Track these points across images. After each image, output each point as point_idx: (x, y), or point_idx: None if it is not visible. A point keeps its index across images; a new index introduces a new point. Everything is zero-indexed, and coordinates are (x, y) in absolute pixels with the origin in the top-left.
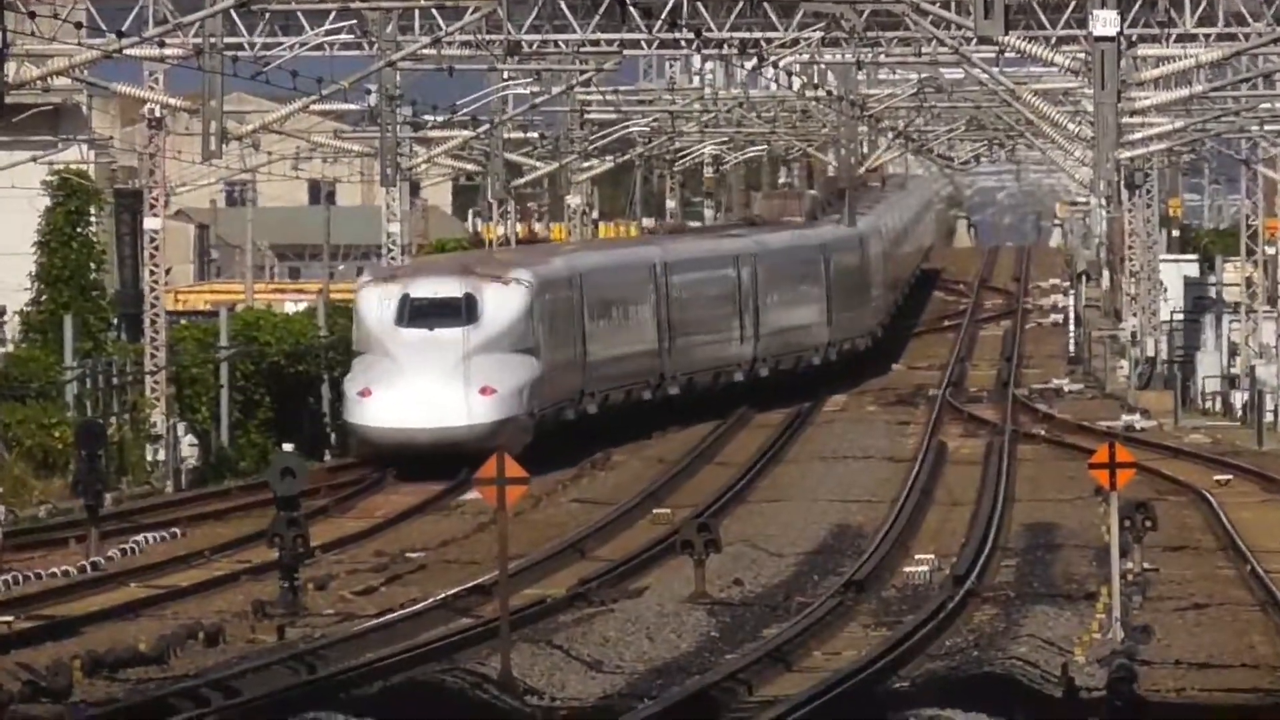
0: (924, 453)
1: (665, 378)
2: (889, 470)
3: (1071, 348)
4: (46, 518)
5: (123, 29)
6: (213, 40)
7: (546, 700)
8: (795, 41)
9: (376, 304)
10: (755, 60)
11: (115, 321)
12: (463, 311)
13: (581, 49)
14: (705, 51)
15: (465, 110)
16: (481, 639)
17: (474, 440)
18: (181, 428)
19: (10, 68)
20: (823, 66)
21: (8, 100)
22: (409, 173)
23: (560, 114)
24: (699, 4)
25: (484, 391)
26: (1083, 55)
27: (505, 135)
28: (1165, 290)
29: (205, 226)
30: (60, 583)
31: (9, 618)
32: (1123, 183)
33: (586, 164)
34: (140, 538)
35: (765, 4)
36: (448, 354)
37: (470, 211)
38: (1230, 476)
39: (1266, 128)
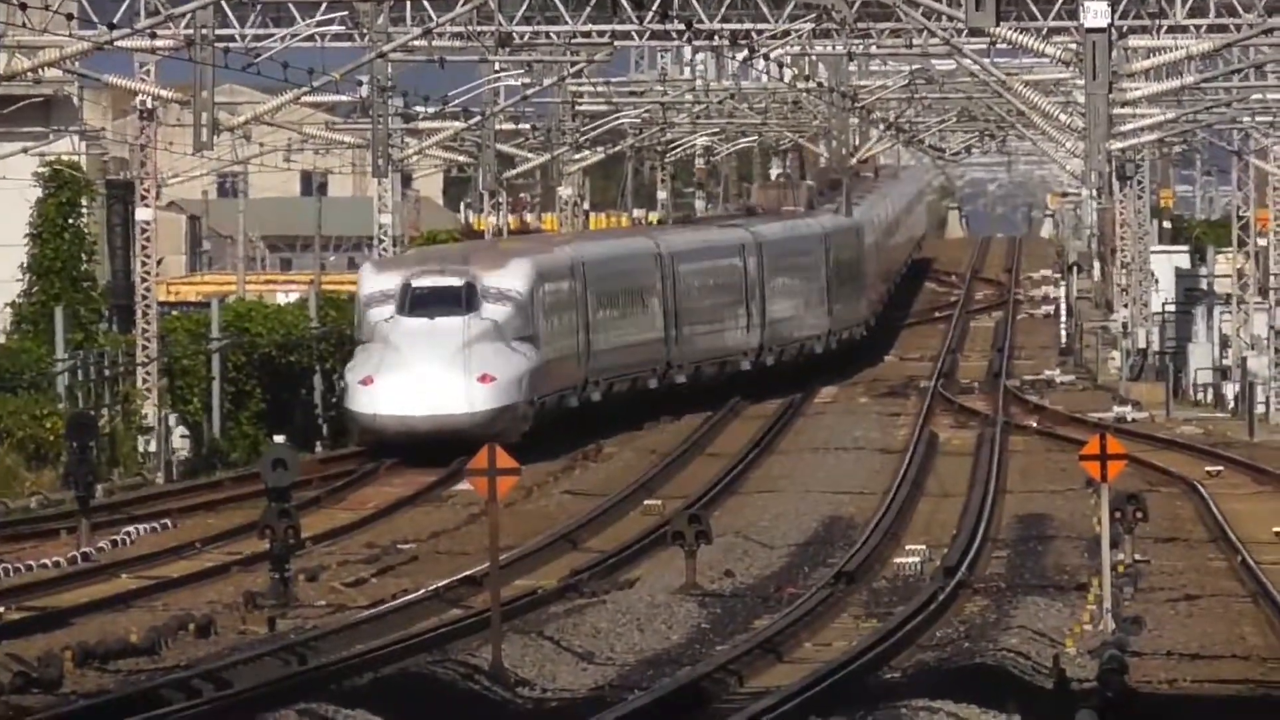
0: (915, 444)
1: (672, 366)
2: (880, 461)
3: (1063, 339)
4: (37, 509)
5: (114, 21)
6: (204, 32)
7: (537, 691)
8: (786, 33)
9: (378, 293)
10: (746, 52)
11: (106, 313)
12: (463, 300)
13: (573, 40)
14: (696, 43)
15: (457, 101)
16: (473, 630)
17: (474, 428)
18: (173, 419)
19: (2, 59)
20: (814, 58)
21: None
22: (400, 164)
23: (552, 105)
24: None
25: (483, 379)
26: (1074, 46)
27: (497, 126)
28: (1156, 281)
29: (197, 218)
30: (51, 574)
31: None
32: (1114, 174)
33: (578, 155)
34: (131, 529)
35: None
36: (448, 342)
37: (462, 203)
38: (1221, 468)
39: (1258, 119)
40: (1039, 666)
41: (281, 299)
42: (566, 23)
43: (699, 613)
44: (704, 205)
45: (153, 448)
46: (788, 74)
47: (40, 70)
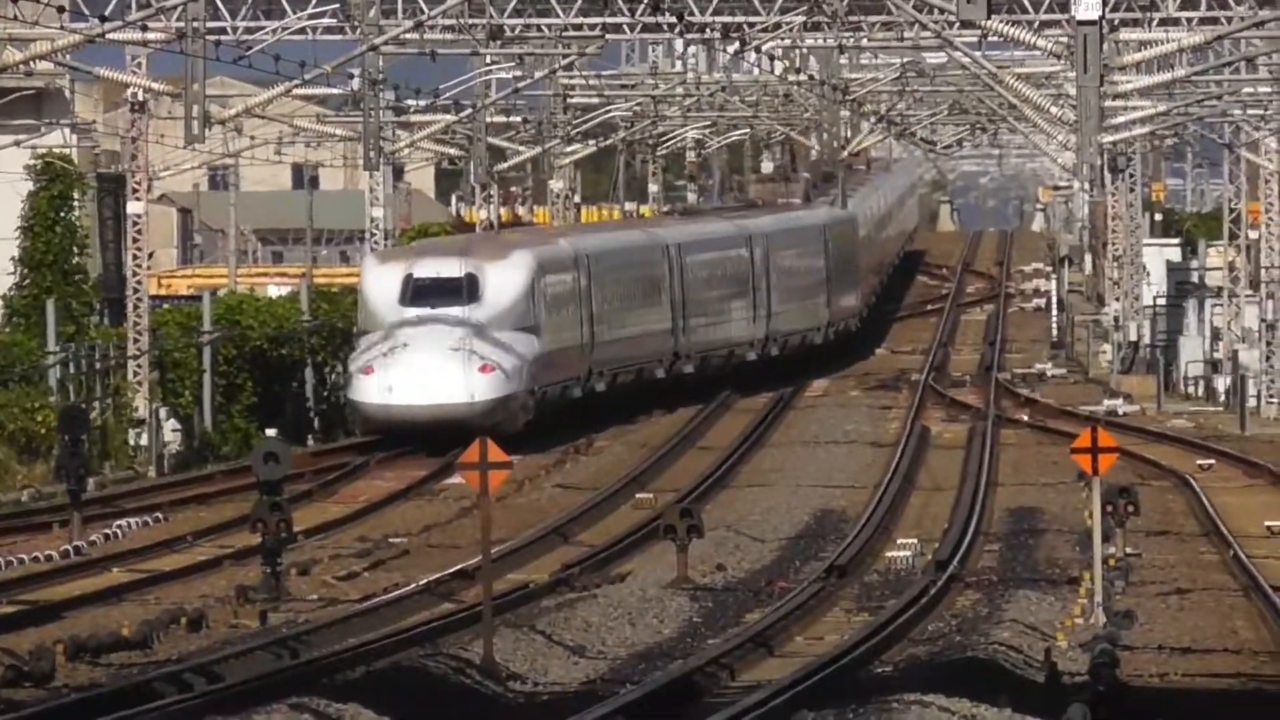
0: (907, 437)
1: (680, 357)
2: (871, 455)
3: (1054, 332)
4: (29, 502)
5: (105, 13)
6: (195, 24)
7: (529, 685)
8: (777, 26)
9: (380, 284)
10: (738, 44)
11: (98, 306)
12: (464, 291)
13: (564, 33)
14: (688, 36)
15: (448, 94)
16: (464, 624)
17: (474, 417)
18: (164, 412)
19: None
20: (805, 51)
21: None
22: (392, 157)
23: (543, 98)
24: None
25: (483, 369)
26: (1065, 39)
27: (488, 119)
28: (1148, 274)
29: (188, 211)
30: (43, 567)
31: None
32: (1105, 167)
33: (569, 148)
34: (123, 522)
35: None
36: (448, 333)
37: (453, 196)
38: (1213, 461)
39: (1249, 112)
40: (1030, 660)
41: (273, 292)
42: (558, 16)
43: (690, 606)
44: (696, 198)
45: (144, 441)
46: (779, 67)
47: (31, 63)
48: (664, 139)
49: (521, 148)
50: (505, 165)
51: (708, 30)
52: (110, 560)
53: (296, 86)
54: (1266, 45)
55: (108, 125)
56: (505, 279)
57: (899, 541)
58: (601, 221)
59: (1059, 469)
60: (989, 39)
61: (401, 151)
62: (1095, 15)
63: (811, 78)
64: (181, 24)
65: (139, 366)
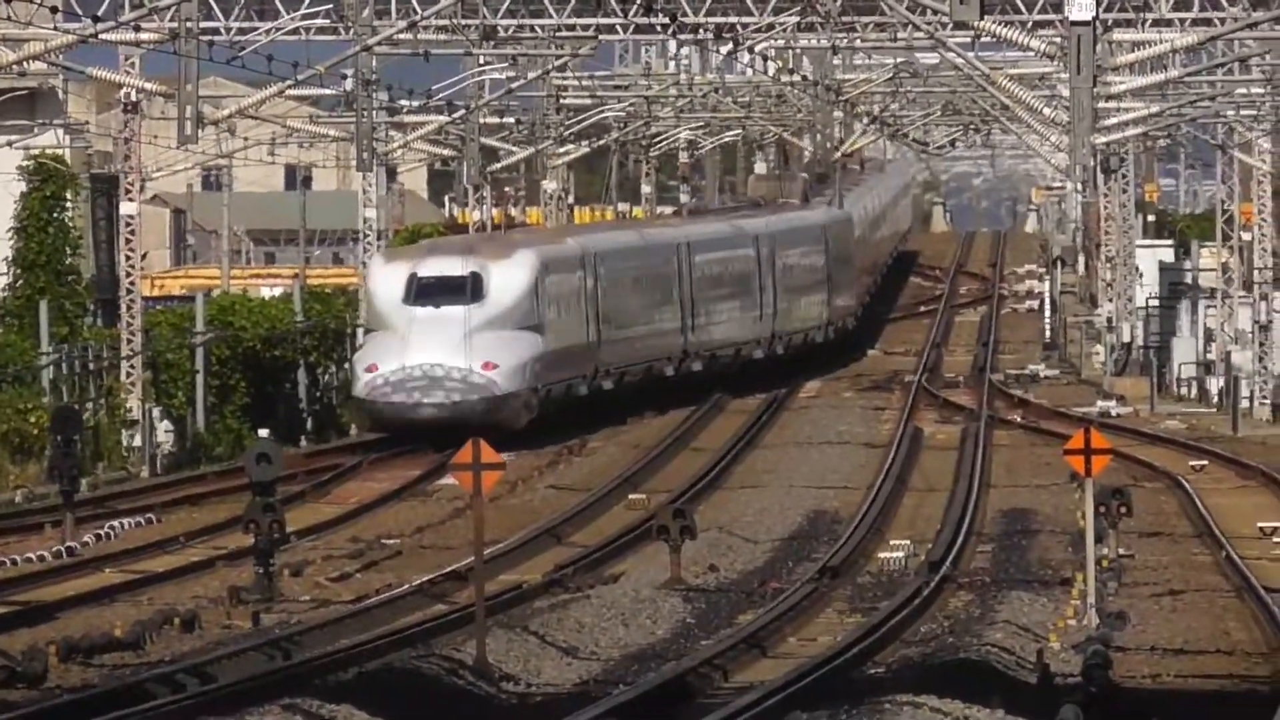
0: (899, 438)
1: (688, 355)
2: (864, 456)
3: (1047, 333)
4: (22, 503)
5: (98, 14)
6: (188, 25)
7: (522, 686)
8: (771, 26)
9: (386, 282)
10: (731, 45)
11: (91, 306)
12: (468, 290)
13: (557, 34)
14: (681, 36)
15: (441, 95)
16: (457, 625)
17: (476, 414)
18: (157, 413)
19: None
20: (798, 51)
21: None
22: (385, 157)
23: (536, 99)
24: None
25: (486, 367)
26: (1058, 40)
27: (481, 120)
28: (1141, 275)
29: (181, 211)
30: (36, 568)
31: None
32: (1098, 168)
33: (562, 149)
34: (116, 523)
35: None
36: (452, 330)
37: (446, 196)
38: (1206, 462)
39: (1242, 112)
40: (1023, 661)
41: (266, 293)
42: (551, 16)
43: (683, 607)
44: (689, 199)
45: (137, 442)
46: (772, 68)
47: (25, 63)
48: (657, 140)
49: (515, 148)
50: (498, 166)
51: (701, 31)
52: (103, 561)
53: (290, 87)
54: (1259, 46)
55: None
56: (509, 278)
57: (892, 542)
58: (611, 221)
59: (1052, 470)
60: (982, 40)
61: (394, 152)
62: (1088, 16)
63: (805, 78)
64: (175, 24)
65: (132, 367)
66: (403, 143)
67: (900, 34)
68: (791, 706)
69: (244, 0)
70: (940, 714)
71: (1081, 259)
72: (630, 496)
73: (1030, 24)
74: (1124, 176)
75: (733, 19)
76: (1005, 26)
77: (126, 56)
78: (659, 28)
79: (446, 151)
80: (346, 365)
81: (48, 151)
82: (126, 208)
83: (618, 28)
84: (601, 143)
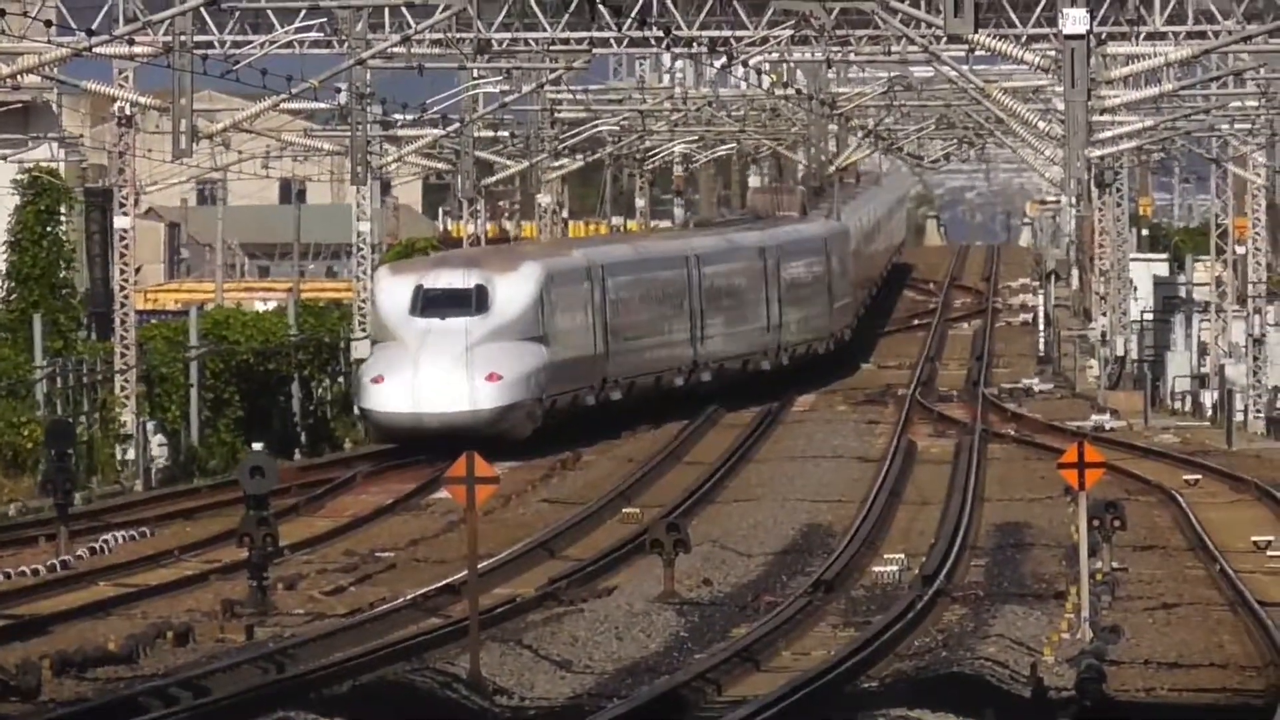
0: (893, 452)
1: (698, 366)
2: (858, 470)
3: (1041, 347)
4: (16, 516)
5: (92, 27)
6: (183, 38)
7: (515, 700)
8: (765, 40)
9: (392, 295)
10: (725, 59)
11: (85, 320)
12: (473, 302)
13: (551, 47)
14: (675, 50)
15: (435, 109)
16: (451, 638)
17: (480, 424)
18: (151, 426)
19: None
20: (792, 65)
21: None
22: (379, 171)
23: (530, 112)
24: (668, 2)
25: (490, 378)
26: (1053, 53)
27: (475, 134)
28: (1135, 289)
29: (175, 225)
30: (29, 581)
31: None
32: (1093, 181)
33: (557, 162)
34: (110, 537)
35: (735, 2)
36: (456, 342)
37: (441, 210)
38: (1199, 476)
39: (1236, 126)
40: (1017, 675)
41: (260, 306)
42: (545, 30)
43: (677, 621)
44: (683, 213)
45: (131, 455)
46: (766, 81)
47: (18, 77)
48: (651, 153)
49: (509, 162)
50: (493, 179)
51: (695, 44)
52: (97, 575)
53: (284, 101)
54: (1254, 60)
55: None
56: (514, 290)
57: (885, 556)
58: (621, 234)
59: (1046, 484)
60: (976, 53)
61: (389, 166)
62: (1082, 30)
63: (799, 92)
64: (169, 38)
65: (126, 381)
66: (397, 156)
67: (894, 47)
68: None
69: (238, 14)
70: None
71: (1075, 273)
72: (624, 510)
73: (1024, 38)
74: (1118, 190)
75: (727, 32)
76: (999, 40)
77: (121, 70)
78: (653, 41)
79: (441, 165)
80: (341, 379)
81: (42, 165)
82: (121, 221)
83: (612, 41)
84: (596, 156)
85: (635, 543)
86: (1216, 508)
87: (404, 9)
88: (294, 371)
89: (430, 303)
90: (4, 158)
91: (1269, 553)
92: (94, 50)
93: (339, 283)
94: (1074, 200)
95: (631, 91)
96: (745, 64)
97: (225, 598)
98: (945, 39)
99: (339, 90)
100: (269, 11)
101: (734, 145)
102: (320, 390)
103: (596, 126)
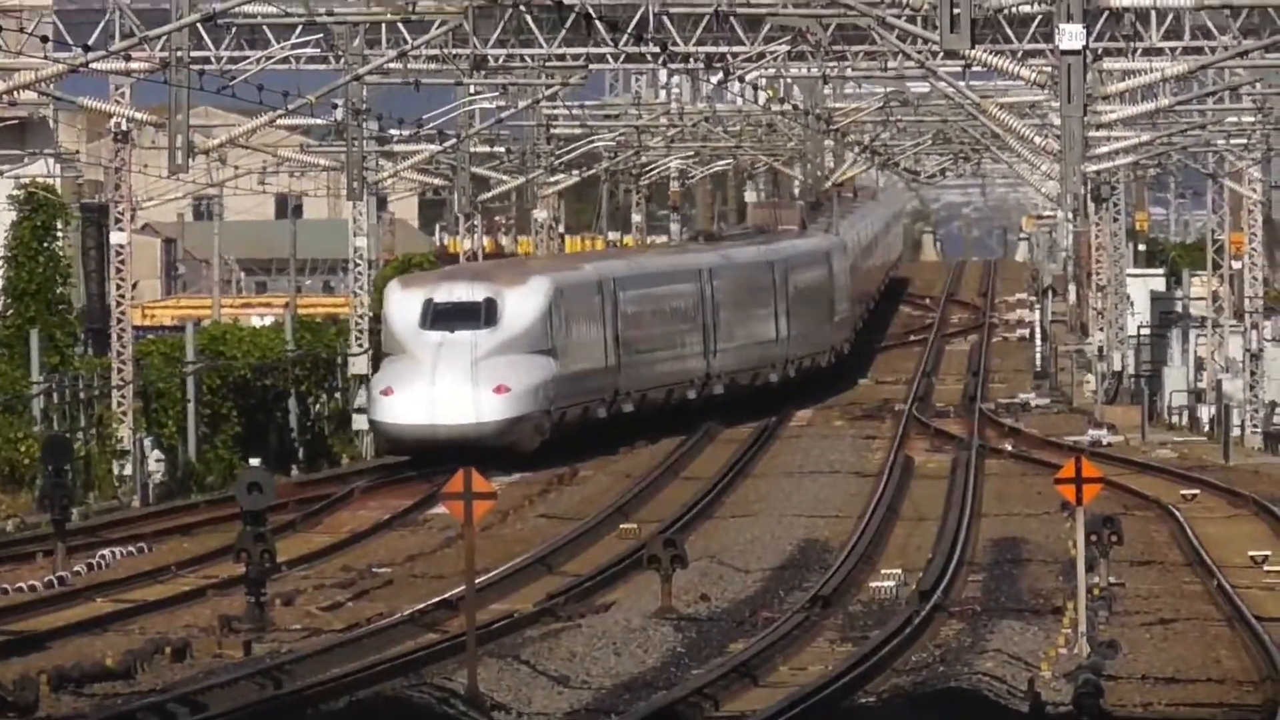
0: (890, 467)
1: (711, 378)
2: (855, 485)
3: (1038, 362)
4: (13, 532)
5: (89, 43)
6: (179, 54)
7: (513, 715)
8: (761, 55)
9: (403, 308)
10: (721, 74)
11: (82, 336)
12: (482, 315)
13: (547, 63)
14: (671, 66)
15: (432, 124)
16: (448, 654)
17: (488, 436)
18: (148, 442)
19: None
20: (789, 80)
21: None
22: (375, 187)
23: (526, 128)
24: (665, 18)
25: (498, 390)
26: (1049, 69)
27: (471, 149)
28: (1132, 304)
29: (172, 240)
30: (27, 597)
31: None
32: (1089, 196)
33: (553, 178)
34: (107, 552)
35: (731, 18)
36: (465, 355)
37: (437, 225)
38: (1197, 491)
39: (1232, 141)
40: (1014, 690)
41: (257, 322)
42: (541, 46)
43: (675, 636)
44: (679, 228)
45: (128, 471)
46: (762, 97)
47: (15, 92)
48: (647, 169)
49: (505, 177)
50: (489, 195)
51: (691, 60)
52: (94, 590)
53: (280, 116)
54: (1249, 75)
55: (91, 155)
56: (523, 303)
57: (883, 572)
58: (634, 247)
59: (1043, 499)
60: (972, 69)
61: (385, 181)
62: (1079, 45)
63: (795, 107)
64: (165, 54)
65: (123, 396)
66: (393, 172)
67: (890, 63)
68: None
69: (234, 29)
70: None
71: (1072, 288)
72: (621, 526)
73: (1021, 53)
74: (1115, 205)
75: (723, 48)
76: (996, 55)
77: (117, 86)
78: (649, 57)
79: (437, 181)
80: (338, 395)
81: (38, 181)
82: (117, 237)
83: (608, 57)
84: (592, 172)
85: (633, 558)
86: (1214, 523)
87: (400, 25)
88: (291, 387)
89: (440, 316)
90: (1, 173)
91: (1266, 568)
92: (91, 66)
93: (336, 298)
94: (1070, 215)
95: (628, 107)
96: (741, 79)
97: (223, 613)
98: (941, 54)
99: (335, 106)
100: (265, 27)
101: (730, 161)
102: (317, 406)
103: (593, 142)
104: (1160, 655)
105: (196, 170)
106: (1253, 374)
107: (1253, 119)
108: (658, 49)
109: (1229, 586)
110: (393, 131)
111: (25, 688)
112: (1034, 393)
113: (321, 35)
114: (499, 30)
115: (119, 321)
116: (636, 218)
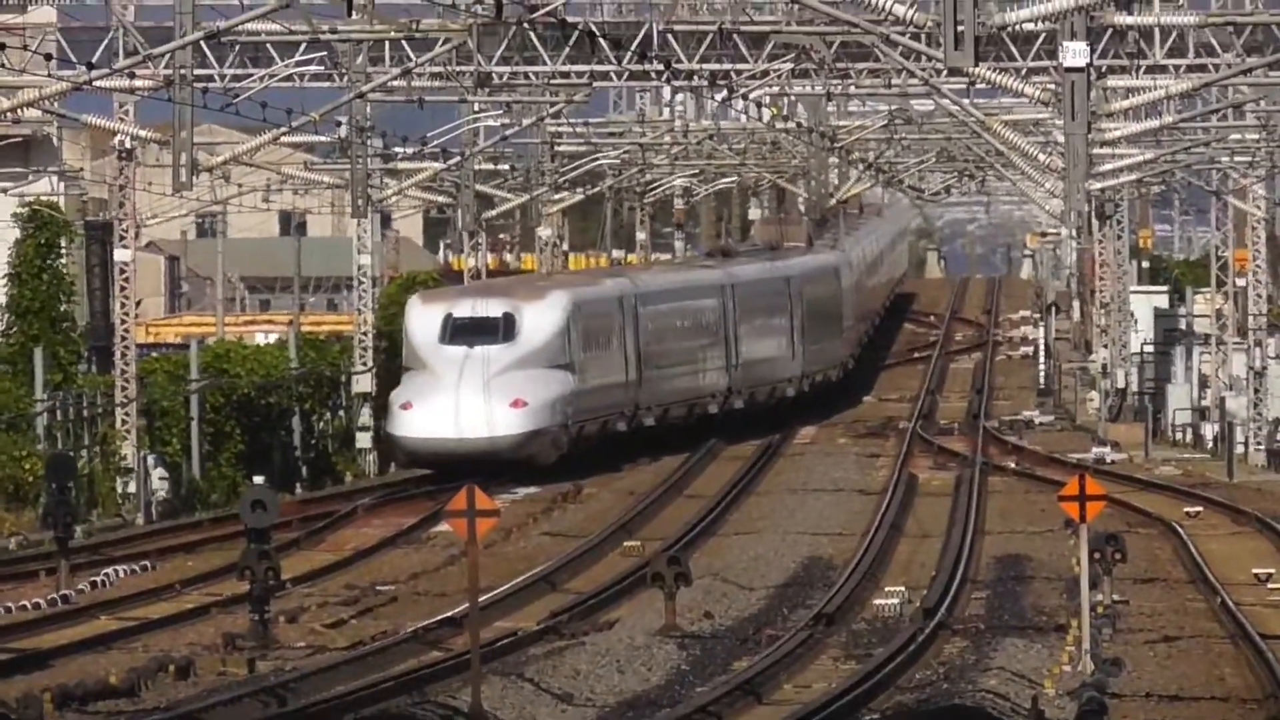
0: (894, 485)
1: (732, 393)
2: (859, 503)
3: (1041, 380)
4: (16, 550)
5: (93, 60)
6: (183, 72)
7: None
8: (765, 73)
9: (423, 323)
10: (725, 92)
11: (85, 354)
12: (500, 330)
13: (551, 81)
14: (675, 83)
15: (436, 142)
16: (452, 672)
17: (506, 450)
18: (152, 460)
19: None
20: (793, 98)
21: None
22: (380, 204)
23: (531, 146)
24: (669, 36)
25: (515, 404)
26: (1053, 86)
27: (476, 167)
28: (1135, 322)
29: (176, 258)
30: (30, 615)
31: None
32: (1093, 214)
33: (557, 196)
34: (111, 570)
35: (735, 36)
36: (483, 369)
37: (441, 243)
38: (1200, 509)
39: (1236, 159)
40: (1018, 708)
41: (260, 340)
42: (545, 63)
43: (678, 654)
44: (683, 246)
45: (132, 489)
46: (766, 114)
47: (19, 110)
48: (652, 186)
49: (509, 195)
50: (493, 213)
51: (695, 78)
52: (98, 608)
53: (284, 134)
54: (1254, 92)
55: (95, 173)
56: (541, 319)
57: (887, 589)
58: (656, 263)
59: (1047, 516)
60: (977, 86)
61: (389, 199)
62: (1083, 63)
63: (799, 125)
64: (169, 71)
65: (127, 414)
66: (397, 189)
67: (895, 80)
68: None
69: (238, 47)
70: None
71: (1076, 305)
72: (625, 543)
73: (1025, 70)
74: (1118, 222)
75: (727, 66)
76: (1000, 73)
77: (121, 104)
78: (654, 75)
79: (441, 198)
80: (341, 413)
81: (42, 198)
82: (121, 254)
83: (612, 74)
84: (596, 189)
85: (636, 576)
86: (1217, 540)
87: (404, 42)
88: (295, 405)
89: (459, 331)
90: (4, 191)
91: (1270, 585)
92: (94, 84)
93: (340, 316)
94: (1074, 233)
95: (632, 125)
96: (745, 97)
97: (226, 631)
98: (946, 72)
99: (339, 123)
100: (269, 45)
101: (735, 178)
102: (321, 424)
103: (597, 160)
104: (1164, 673)
105: (200, 188)
106: (1256, 391)
107: (1256, 136)
108: (662, 67)
109: (1233, 604)
110: (397, 149)
111: (29, 706)
112: (1038, 410)
113: (325, 53)
114: (503, 48)
115: (123, 339)
116: (641, 235)
